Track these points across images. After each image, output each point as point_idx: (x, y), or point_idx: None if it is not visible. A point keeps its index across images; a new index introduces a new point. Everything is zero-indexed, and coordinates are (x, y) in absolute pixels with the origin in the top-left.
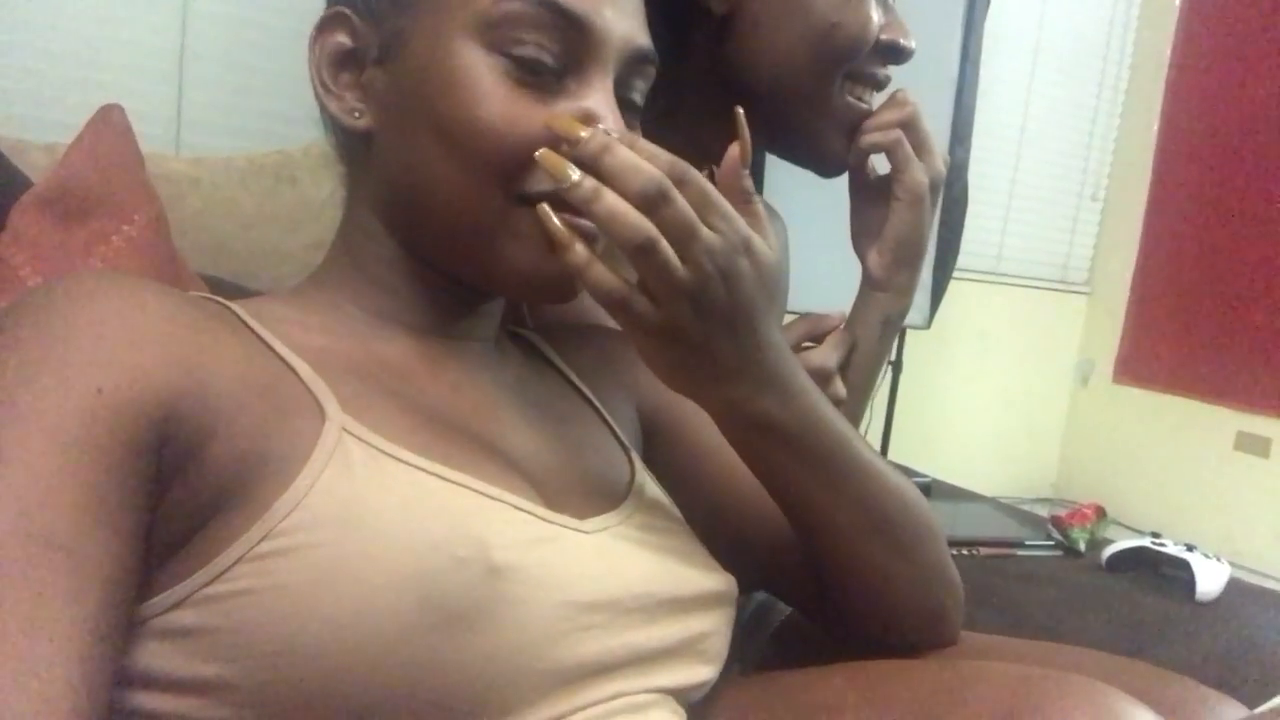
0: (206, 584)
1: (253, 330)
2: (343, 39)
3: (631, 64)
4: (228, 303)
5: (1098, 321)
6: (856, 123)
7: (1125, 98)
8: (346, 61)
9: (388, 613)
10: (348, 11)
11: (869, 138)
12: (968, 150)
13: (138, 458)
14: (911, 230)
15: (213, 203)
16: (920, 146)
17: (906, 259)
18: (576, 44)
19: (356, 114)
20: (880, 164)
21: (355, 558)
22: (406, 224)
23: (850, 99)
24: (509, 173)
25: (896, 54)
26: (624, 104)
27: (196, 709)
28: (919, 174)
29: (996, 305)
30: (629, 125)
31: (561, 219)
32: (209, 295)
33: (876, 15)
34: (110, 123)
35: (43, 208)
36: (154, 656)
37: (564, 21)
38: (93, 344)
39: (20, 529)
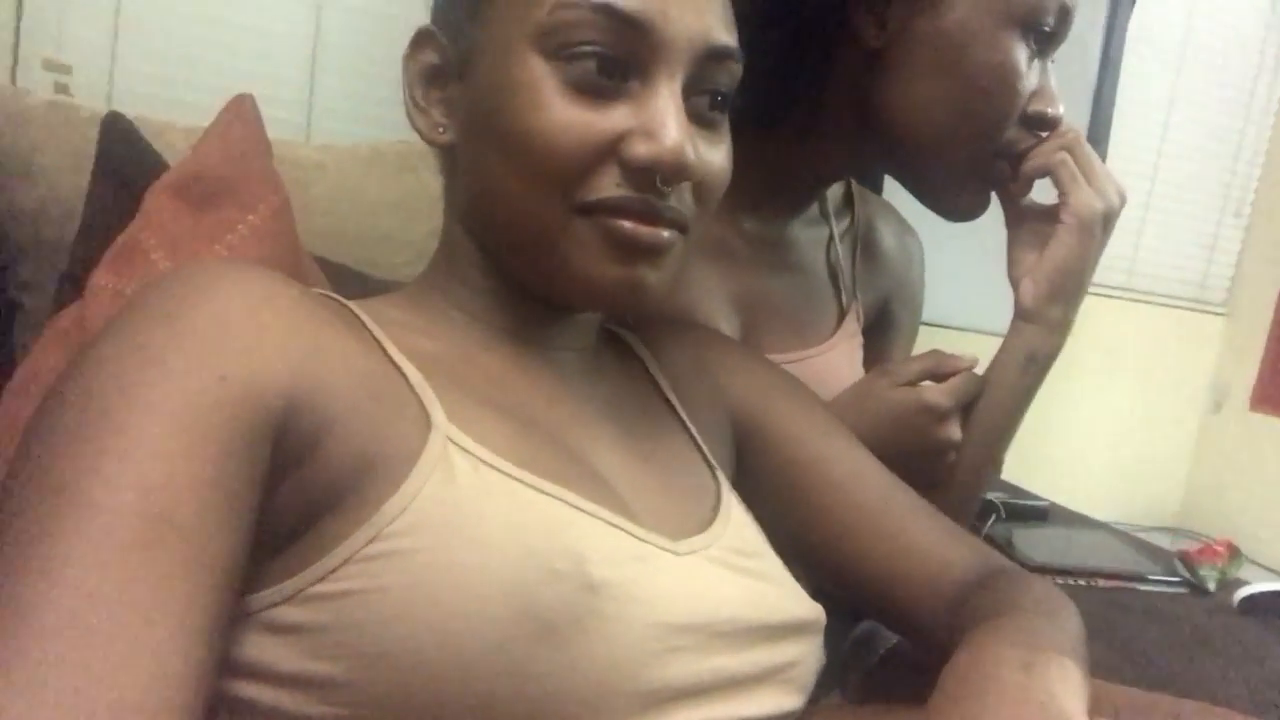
0: (315, 582)
1: (368, 330)
2: (431, 57)
3: (707, 62)
4: (345, 301)
5: (1235, 345)
6: (991, 186)
7: (1278, 108)
8: (435, 78)
9: (485, 621)
10: (435, 30)
11: (1033, 162)
12: (1103, 158)
13: (256, 447)
14: (1074, 259)
15: (337, 189)
16: (1088, 171)
17: (1063, 291)
18: (638, 46)
19: (441, 129)
20: (1040, 195)
21: (457, 565)
22: (483, 234)
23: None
24: (568, 182)
25: (1042, 124)
26: (706, 103)
27: (296, 703)
28: (1089, 198)
29: (1126, 322)
30: (713, 122)
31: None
32: (328, 293)
33: (1027, 84)
34: (241, 113)
35: (175, 193)
36: (259, 649)
37: (622, 24)
38: (218, 332)
39: (142, 509)
